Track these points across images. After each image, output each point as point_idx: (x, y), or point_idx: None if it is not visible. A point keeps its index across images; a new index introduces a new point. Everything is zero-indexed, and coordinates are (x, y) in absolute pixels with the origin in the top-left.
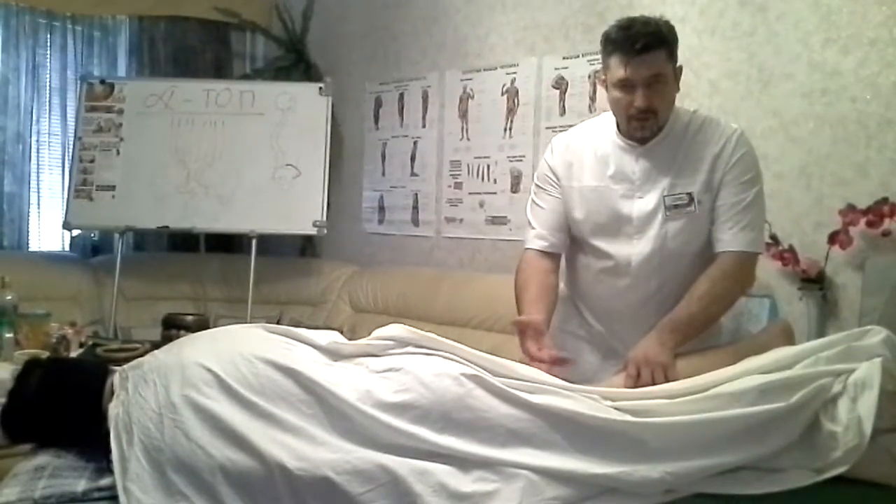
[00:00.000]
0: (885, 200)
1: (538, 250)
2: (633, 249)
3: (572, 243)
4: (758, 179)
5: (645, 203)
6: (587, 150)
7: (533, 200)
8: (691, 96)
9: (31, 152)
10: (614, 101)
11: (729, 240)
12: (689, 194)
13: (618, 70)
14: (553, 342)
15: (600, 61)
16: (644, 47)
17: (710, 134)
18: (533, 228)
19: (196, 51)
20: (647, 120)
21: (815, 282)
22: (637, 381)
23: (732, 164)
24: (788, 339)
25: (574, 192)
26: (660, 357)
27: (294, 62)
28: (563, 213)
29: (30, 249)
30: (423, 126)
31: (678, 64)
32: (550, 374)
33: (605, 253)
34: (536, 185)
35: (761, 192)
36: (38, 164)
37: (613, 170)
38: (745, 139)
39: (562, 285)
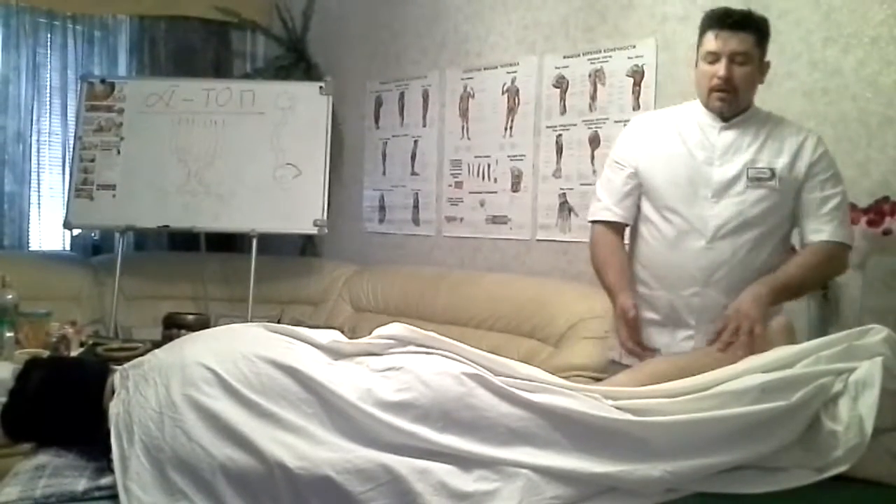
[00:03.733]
0: (885, 199)
1: (606, 222)
2: (711, 212)
3: (640, 215)
4: (841, 180)
5: (726, 170)
6: (669, 124)
7: (605, 175)
8: (692, 95)
9: (31, 152)
10: (700, 74)
11: (831, 231)
12: (772, 169)
13: (709, 43)
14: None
15: (600, 59)
16: (735, 23)
17: (790, 128)
18: (599, 201)
19: (196, 50)
20: (728, 93)
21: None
22: (722, 334)
23: (817, 158)
24: (790, 337)
25: (655, 159)
26: (751, 311)
27: (294, 61)
28: (633, 185)
29: (30, 249)
30: (424, 125)
31: (766, 59)
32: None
33: (682, 216)
34: (611, 159)
35: (846, 192)
36: (38, 164)
37: (696, 139)
38: (824, 142)
39: None
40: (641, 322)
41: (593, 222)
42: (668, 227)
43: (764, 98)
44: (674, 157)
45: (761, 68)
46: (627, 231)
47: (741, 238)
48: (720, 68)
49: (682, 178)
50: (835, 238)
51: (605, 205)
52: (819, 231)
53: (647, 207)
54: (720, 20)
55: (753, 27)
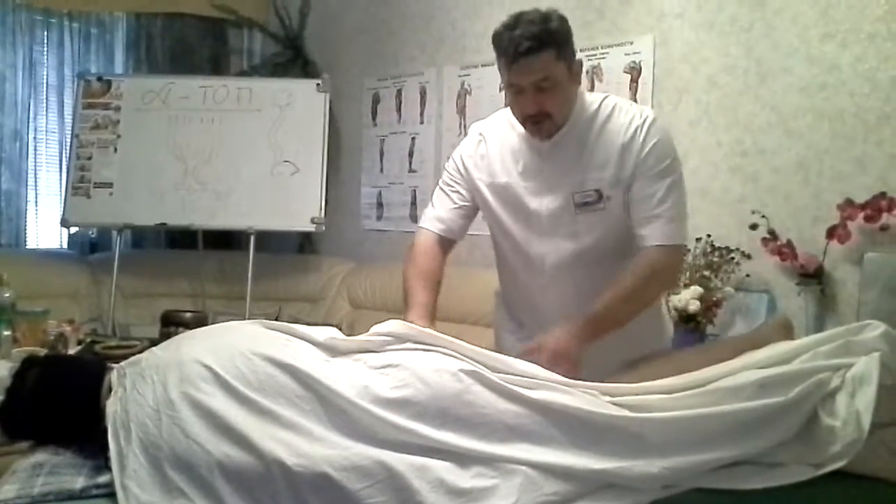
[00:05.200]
0: (883, 195)
1: (433, 232)
2: (546, 248)
3: (495, 243)
4: (673, 168)
5: (552, 200)
6: (499, 144)
7: (440, 184)
8: (689, 91)
9: (28, 150)
10: (509, 103)
11: (649, 234)
12: (598, 191)
13: (505, 74)
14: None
15: (597, 56)
16: (528, 51)
17: (618, 123)
18: (432, 208)
19: (193, 47)
20: (542, 123)
21: (813, 277)
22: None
23: (644, 154)
24: (788, 333)
25: (485, 186)
26: (570, 353)
27: (291, 58)
28: (471, 205)
29: (27, 247)
30: (421, 122)
31: (576, 58)
32: None
33: (521, 250)
34: (446, 171)
35: (679, 181)
36: (35, 162)
37: (522, 166)
38: (657, 126)
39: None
40: (508, 333)
41: (419, 228)
42: (512, 258)
43: (760, 94)
44: (501, 189)
45: (571, 75)
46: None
47: (579, 271)
48: (526, 103)
49: (514, 212)
50: (654, 241)
51: (438, 215)
52: (641, 236)
53: (494, 234)
54: (511, 53)
55: (548, 44)
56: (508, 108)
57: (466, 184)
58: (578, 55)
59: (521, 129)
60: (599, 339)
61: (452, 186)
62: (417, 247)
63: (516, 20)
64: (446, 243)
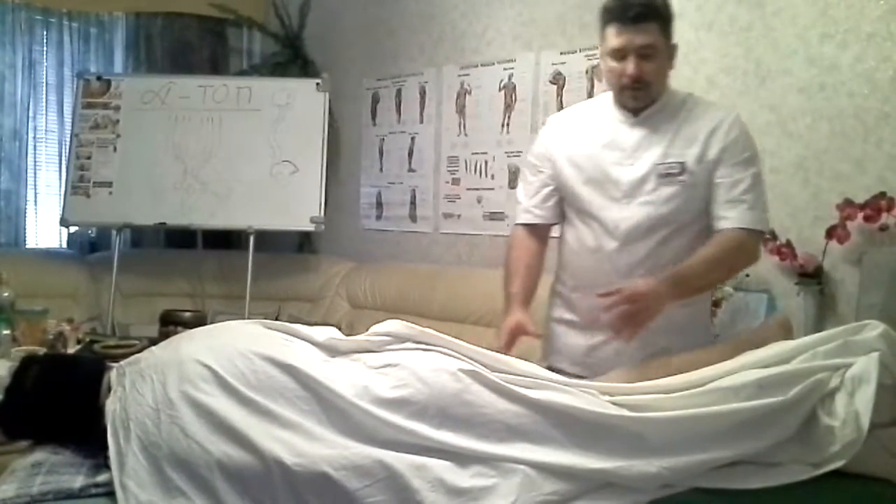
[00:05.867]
0: (882, 195)
1: (526, 224)
2: (622, 214)
3: (565, 219)
4: (756, 160)
5: (635, 170)
6: (582, 123)
7: (522, 177)
8: (689, 91)
9: (27, 149)
10: (608, 71)
11: (733, 217)
12: (682, 164)
13: (612, 39)
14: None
15: (597, 56)
16: (637, 16)
17: (705, 112)
18: (519, 203)
19: (193, 47)
20: (639, 90)
21: (812, 276)
22: (614, 309)
23: (729, 142)
24: (787, 333)
25: (566, 160)
26: (649, 297)
27: (291, 58)
28: (554, 186)
29: (27, 246)
30: (421, 122)
31: (673, 42)
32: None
33: (595, 217)
34: (528, 162)
35: (761, 173)
36: (34, 161)
37: (607, 139)
38: (741, 121)
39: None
40: (559, 323)
41: (516, 226)
42: (586, 230)
43: (759, 94)
44: (583, 160)
45: (670, 54)
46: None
47: (653, 238)
48: (628, 66)
49: (594, 180)
50: (741, 224)
51: (525, 206)
52: (725, 218)
53: (568, 210)
54: (621, 15)
55: (656, 16)
56: (586, 101)
57: (550, 165)
58: (577, 55)
59: (608, 109)
60: (679, 298)
61: (534, 172)
62: (514, 243)
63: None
64: (541, 230)
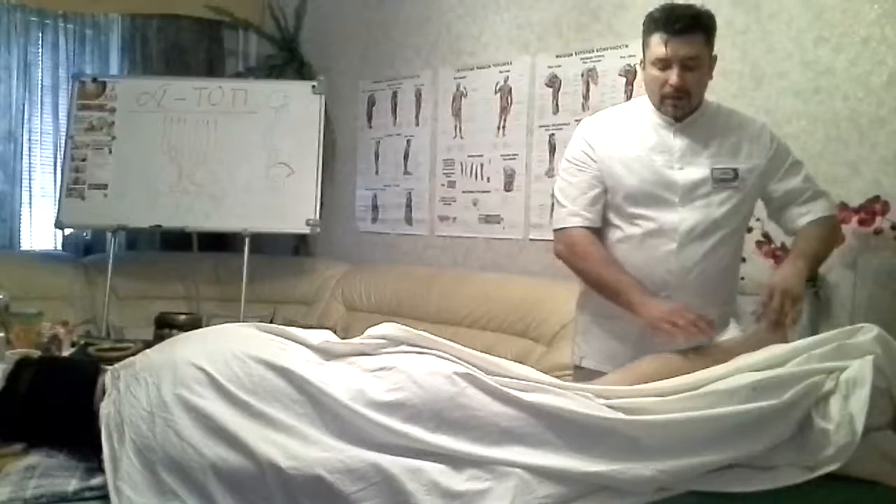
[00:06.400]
0: (876, 199)
1: (581, 227)
2: (679, 216)
3: (611, 221)
4: (794, 156)
5: (689, 173)
6: (623, 126)
7: (563, 178)
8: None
9: (22, 151)
10: (651, 80)
11: (813, 209)
12: (735, 170)
13: (657, 48)
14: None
15: (593, 59)
16: (684, 28)
17: (741, 120)
18: (564, 207)
19: (188, 49)
20: (681, 99)
21: (807, 280)
22: (769, 307)
23: (774, 150)
24: (781, 337)
25: (615, 162)
26: (795, 287)
27: (287, 60)
28: (599, 188)
29: (22, 249)
30: (417, 124)
31: (714, 53)
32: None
33: (649, 218)
34: (568, 162)
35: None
36: (29, 163)
37: (653, 142)
38: (770, 128)
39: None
40: (597, 325)
41: (561, 230)
42: (636, 229)
43: (754, 97)
44: (633, 161)
45: (711, 64)
46: None
47: (709, 240)
48: (672, 76)
49: (646, 182)
50: (825, 213)
51: (573, 210)
52: (808, 212)
53: (610, 212)
54: (668, 26)
55: (702, 28)
56: (619, 106)
57: (596, 165)
58: (573, 58)
59: (645, 113)
60: (809, 277)
61: (580, 175)
62: (578, 244)
63: (673, 6)
64: (594, 232)
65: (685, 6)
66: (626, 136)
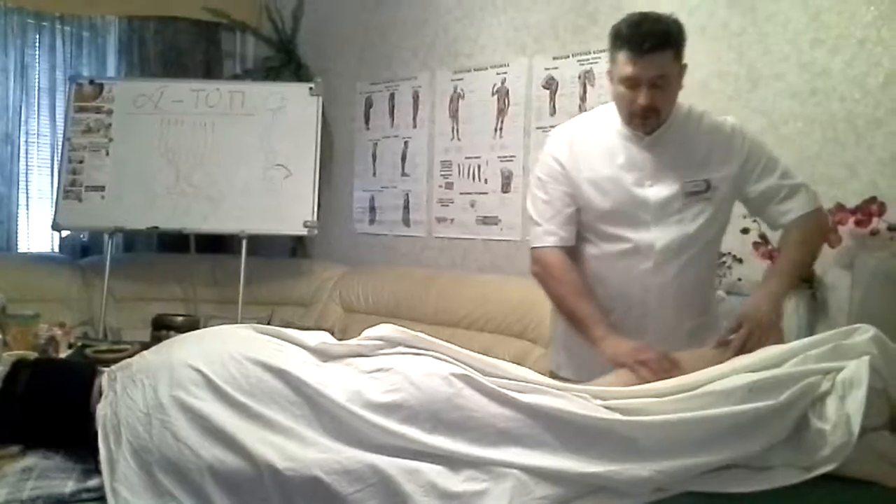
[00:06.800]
0: (873, 199)
1: (556, 247)
2: (653, 235)
3: (584, 240)
4: (768, 151)
5: (660, 190)
6: (592, 141)
7: (537, 196)
8: (681, 96)
9: (19, 153)
10: (618, 96)
11: (794, 206)
12: (707, 181)
13: (625, 67)
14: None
15: (590, 61)
16: (652, 47)
17: (712, 126)
18: (539, 225)
19: (186, 51)
20: (649, 118)
21: (804, 281)
22: (745, 343)
23: (746, 154)
24: (778, 337)
25: (585, 183)
26: (765, 317)
27: (284, 62)
28: (572, 207)
29: (19, 250)
30: (414, 126)
31: (684, 62)
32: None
33: (623, 238)
34: (540, 179)
35: (778, 157)
36: (26, 165)
37: (623, 158)
38: (742, 127)
39: None
40: (573, 340)
41: (537, 249)
42: (611, 247)
43: (751, 99)
44: (604, 182)
45: (680, 77)
46: None
47: (685, 255)
48: (640, 96)
49: (618, 203)
50: (806, 209)
51: (548, 228)
52: (789, 211)
53: (583, 229)
54: (636, 46)
55: (671, 44)
56: (589, 113)
57: (567, 186)
58: (570, 60)
59: (613, 125)
60: (791, 289)
61: (552, 194)
62: (553, 266)
63: (641, 18)
64: (568, 251)
65: (653, 20)
66: (595, 153)
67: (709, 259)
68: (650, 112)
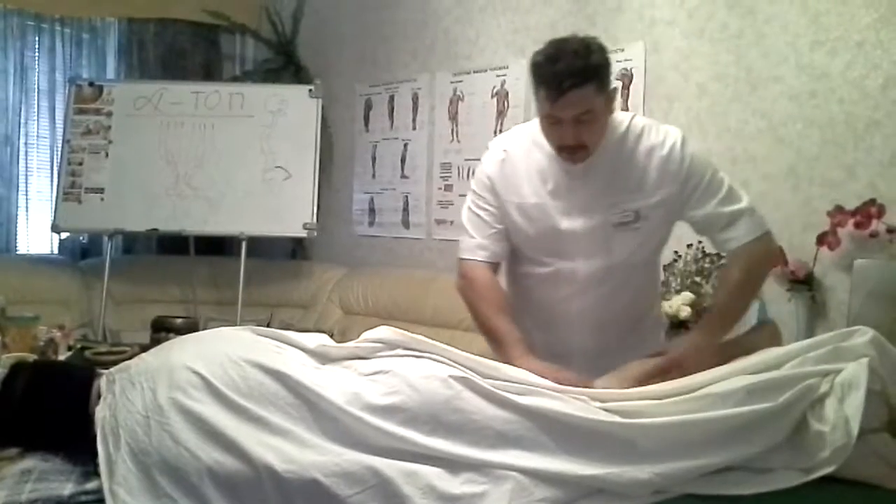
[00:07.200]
0: (872, 202)
1: (482, 262)
2: (577, 264)
3: (513, 263)
4: (716, 170)
5: (588, 220)
6: (524, 164)
7: (471, 208)
8: (680, 99)
9: (19, 155)
10: (544, 131)
11: (737, 234)
12: (635, 212)
13: (544, 104)
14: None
15: None
16: (571, 86)
17: (650, 145)
18: (472, 238)
19: (185, 53)
20: (577, 153)
21: (803, 283)
22: (660, 376)
23: (685, 174)
24: (776, 340)
25: (513, 208)
26: (694, 367)
27: (284, 64)
28: (503, 222)
29: (18, 252)
30: (414, 128)
31: (612, 87)
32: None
33: (546, 263)
34: (474, 192)
35: (723, 175)
36: (26, 167)
37: (552, 186)
38: (687, 143)
39: None
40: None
41: (464, 261)
42: (538, 269)
43: (749, 101)
44: (532, 209)
45: (609, 102)
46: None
47: (612, 281)
48: (565, 136)
49: (542, 232)
50: (748, 237)
51: (479, 242)
52: (731, 239)
53: (514, 245)
54: (554, 86)
55: (591, 78)
56: (530, 124)
57: (497, 205)
58: None
59: (548, 148)
60: (721, 338)
61: (485, 209)
62: (478, 281)
63: (557, 51)
64: (495, 268)
65: (571, 53)
66: (524, 176)
67: (644, 278)
68: (577, 148)
